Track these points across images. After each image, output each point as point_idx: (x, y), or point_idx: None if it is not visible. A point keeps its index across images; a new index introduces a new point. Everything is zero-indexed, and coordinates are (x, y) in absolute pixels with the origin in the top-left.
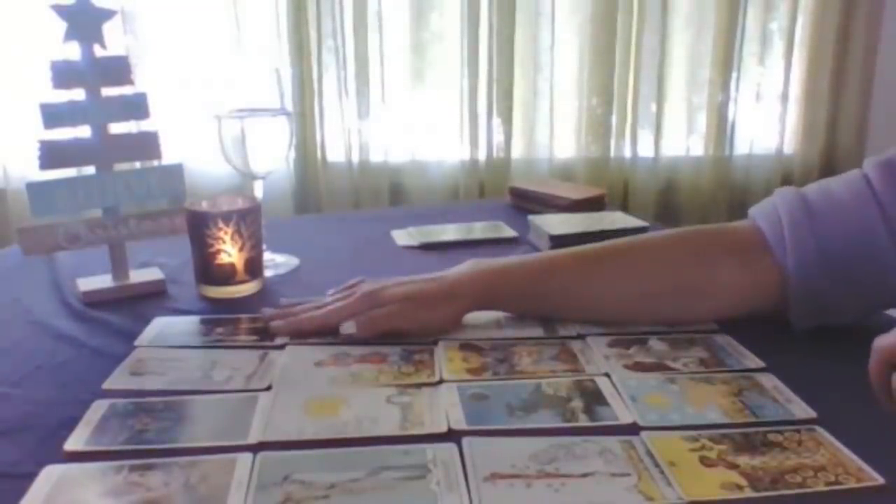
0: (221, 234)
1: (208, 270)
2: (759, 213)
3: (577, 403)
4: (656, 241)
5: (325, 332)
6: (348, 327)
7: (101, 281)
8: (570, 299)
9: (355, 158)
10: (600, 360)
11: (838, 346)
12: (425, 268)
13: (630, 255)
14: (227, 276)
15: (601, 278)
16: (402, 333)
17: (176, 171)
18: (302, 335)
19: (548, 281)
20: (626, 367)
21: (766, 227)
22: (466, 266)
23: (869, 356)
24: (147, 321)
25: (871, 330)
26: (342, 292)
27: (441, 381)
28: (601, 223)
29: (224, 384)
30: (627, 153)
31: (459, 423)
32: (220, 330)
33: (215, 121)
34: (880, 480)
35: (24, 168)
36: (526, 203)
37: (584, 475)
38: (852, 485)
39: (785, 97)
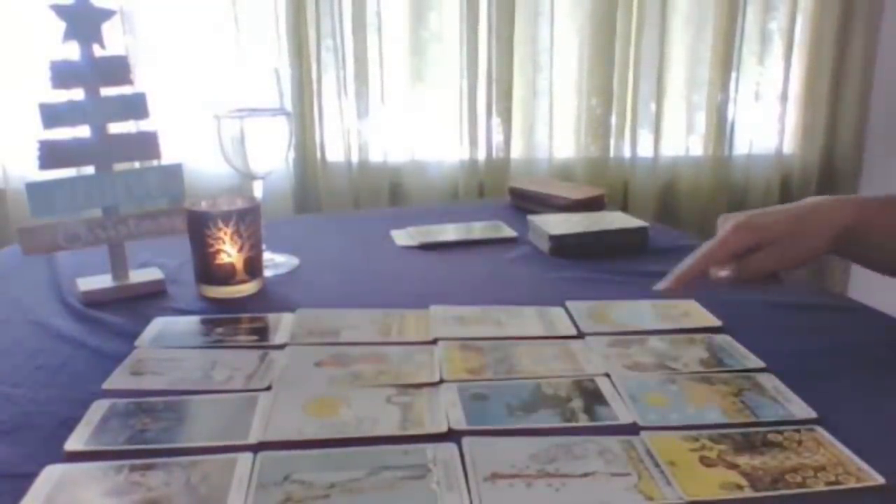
0: (221, 234)
1: (208, 270)
2: None
3: (577, 403)
4: None
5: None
6: (720, 273)
7: (101, 281)
8: None
9: (355, 158)
10: (600, 360)
11: (839, 347)
12: (425, 268)
13: None
14: (227, 276)
15: None
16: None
17: (176, 171)
18: (682, 283)
19: None
20: (626, 367)
21: None
22: (818, 200)
23: (870, 358)
24: (147, 321)
25: (871, 332)
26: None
27: (441, 381)
28: (601, 223)
29: (224, 384)
30: (627, 153)
31: (459, 423)
32: (220, 330)
33: (215, 121)
34: (880, 480)
35: (24, 168)
36: (526, 203)
37: (584, 475)
38: (852, 485)
39: (784, 97)
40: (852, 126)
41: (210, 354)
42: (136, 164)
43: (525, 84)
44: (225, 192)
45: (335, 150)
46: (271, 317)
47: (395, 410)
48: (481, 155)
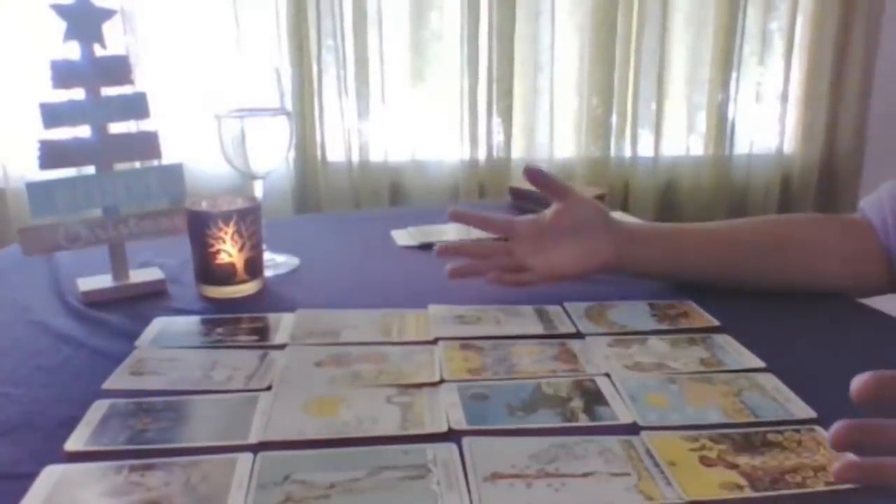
0: (221, 234)
1: (208, 270)
2: (866, 203)
3: (577, 403)
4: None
5: None
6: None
7: (101, 281)
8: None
9: (355, 158)
10: (600, 360)
11: (839, 347)
12: (425, 268)
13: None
14: (227, 276)
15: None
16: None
17: (176, 171)
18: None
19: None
20: (626, 367)
21: (871, 215)
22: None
23: (870, 358)
24: (147, 321)
25: (872, 333)
26: None
27: (441, 381)
28: None
29: (224, 384)
30: (627, 153)
31: (459, 423)
32: (220, 330)
33: (215, 121)
34: None
35: (25, 168)
36: (526, 203)
37: (584, 475)
38: (852, 485)
39: (785, 97)
40: (852, 126)
41: (210, 354)
42: (137, 164)
43: (526, 84)
44: (225, 191)
45: (336, 149)
46: (271, 317)
47: (395, 410)
48: (482, 155)
